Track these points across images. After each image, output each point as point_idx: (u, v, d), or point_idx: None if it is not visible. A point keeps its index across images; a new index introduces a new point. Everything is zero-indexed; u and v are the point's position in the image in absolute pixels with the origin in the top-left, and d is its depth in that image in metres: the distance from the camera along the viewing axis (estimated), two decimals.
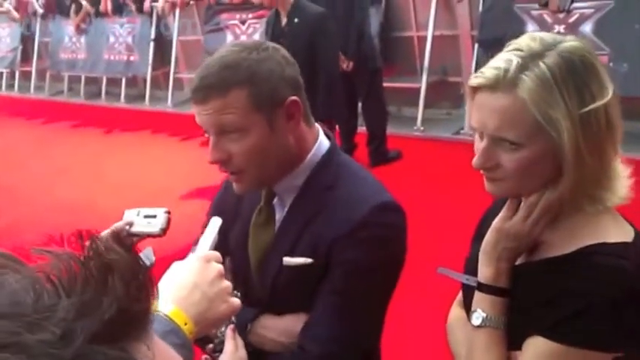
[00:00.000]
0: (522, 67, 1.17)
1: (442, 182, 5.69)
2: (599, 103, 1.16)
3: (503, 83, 1.18)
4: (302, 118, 1.49)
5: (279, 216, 1.59)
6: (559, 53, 1.17)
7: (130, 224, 1.65)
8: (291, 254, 1.51)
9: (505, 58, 1.19)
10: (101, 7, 10.74)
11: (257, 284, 1.60)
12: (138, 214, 1.67)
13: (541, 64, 1.16)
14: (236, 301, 1.22)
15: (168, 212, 1.67)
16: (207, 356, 1.51)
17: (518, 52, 1.19)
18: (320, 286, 1.49)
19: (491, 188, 1.30)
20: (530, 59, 1.17)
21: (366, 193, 1.52)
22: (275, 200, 1.59)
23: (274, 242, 1.57)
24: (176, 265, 1.23)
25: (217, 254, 1.28)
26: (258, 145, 1.43)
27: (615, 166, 1.24)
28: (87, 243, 0.55)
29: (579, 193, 1.22)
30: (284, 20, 4.97)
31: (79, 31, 11.23)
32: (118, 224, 1.65)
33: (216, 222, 1.42)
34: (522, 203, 1.29)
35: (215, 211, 1.64)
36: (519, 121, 1.18)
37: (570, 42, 1.21)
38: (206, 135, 1.46)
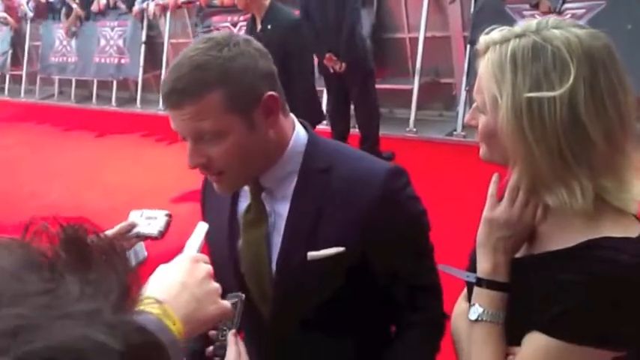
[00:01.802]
0: (502, 41, 1.20)
1: (436, 183, 5.67)
2: (554, 93, 1.13)
3: (485, 51, 1.24)
4: (280, 112, 1.44)
5: (270, 208, 1.53)
6: (535, 38, 1.17)
7: (133, 225, 1.62)
8: (312, 247, 1.46)
9: (502, 30, 1.23)
10: (93, 8, 10.70)
11: (256, 285, 1.55)
12: (141, 215, 1.64)
13: (512, 42, 1.18)
14: (225, 303, 1.20)
15: (169, 215, 1.63)
16: None
17: (512, 29, 1.22)
18: (374, 277, 1.51)
19: (482, 152, 1.33)
20: (511, 36, 1.19)
21: (370, 165, 1.51)
22: (263, 194, 1.53)
23: (285, 238, 1.50)
24: (163, 267, 1.20)
25: (205, 257, 1.26)
26: (238, 145, 1.38)
27: (618, 166, 1.20)
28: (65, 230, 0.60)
29: (545, 181, 1.19)
30: (259, 26, 4.92)
31: (70, 34, 11.19)
32: (122, 224, 1.61)
33: (203, 226, 1.40)
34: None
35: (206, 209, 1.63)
36: (482, 89, 1.24)
37: (561, 32, 1.17)
38: (182, 139, 1.41)
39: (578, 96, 1.13)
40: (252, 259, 1.56)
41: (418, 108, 7.27)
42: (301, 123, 1.55)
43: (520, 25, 1.22)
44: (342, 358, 1.57)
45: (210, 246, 1.62)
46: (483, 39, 1.24)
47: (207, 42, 1.38)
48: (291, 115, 1.53)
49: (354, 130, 6.53)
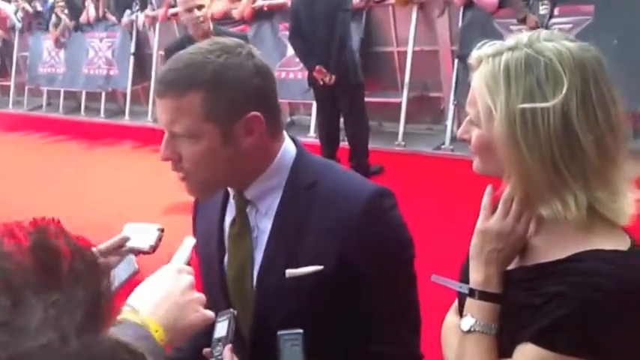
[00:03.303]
0: (494, 54, 1.22)
1: (424, 196, 5.69)
2: (547, 104, 1.15)
3: (477, 64, 1.25)
4: (265, 133, 1.40)
5: (253, 223, 1.50)
6: (527, 50, 1.19)
7: (126, 239, 1.62)
8: (293, 264, 1.43)
9: (495, 44, 1.25)
10: (82, 19, 10.68)
11: (239, 301, 1.52)
12: (135, 229, 1.64)
13: (504, 55, 1.20)
14: (208, 313, 1.22)
15: (161, 230, 1.63)
16: None
17: (504, 42, 1.23)
18: (355, 299, 1.44)
19: (475, 165, 1.34)
20: (504, 49, 1.21)
21: (356, 183, 1.49)
22: (248, 208, 1.51)
23: (265, 255, 1.47)
24: (149, 278, 1.24)
25: (189, 267, 1.28)
26: (207, 154, 1.36)
27: (610, 177, 1.21)
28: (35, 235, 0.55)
29: (539, 192, 1.21)
30: None
31: (58, 45, 11.16)
32: (115, 238, 1.61)
33: (189, 240, 1.41)
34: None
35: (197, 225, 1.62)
36: (475, 102, 1.25)
37: (553, 44, 1.19)
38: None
39: (570, 106, 1.15)
40: (236, 273, 1.54)
41: (407, 121, 7.30)
42: (291, 137, 1.53)
43: (512, 38, 1.24)
44: None
45: (200, 257, 1.64)
46: (476, 52, 1.26)
47: (212, 45, 1.38)
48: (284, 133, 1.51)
49: (344, 143, 6.54)
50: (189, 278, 1.23)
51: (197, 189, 1.47)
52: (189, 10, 4.68)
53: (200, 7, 4.66)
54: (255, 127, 1.38)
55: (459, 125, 6.26)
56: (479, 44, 1.27)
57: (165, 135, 1.38)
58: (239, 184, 1.48)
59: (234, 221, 1.53)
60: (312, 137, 7.43)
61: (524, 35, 1.23)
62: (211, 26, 4.82)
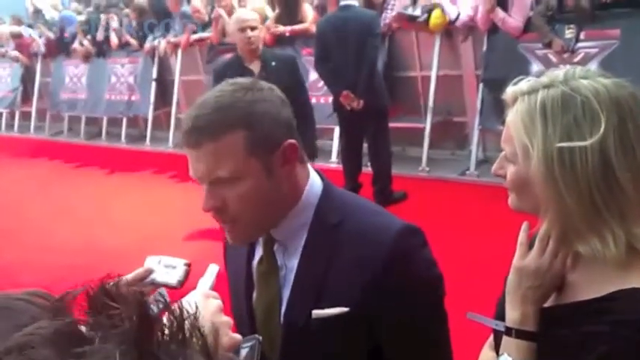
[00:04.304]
0: (530, 92, 1.23)
1: (449, 223, 5.62)
2: (585, 143, 1.15)
3: (513, 101, 1.27)
4: (298, 161, 1.43)
5: (281, 262, 1.50)
6: (563, 89, 1.19)
7: (150, 271, 1.63)
8: (318, 305, 1.41)
9: (529, 81, 1.26)
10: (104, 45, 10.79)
11: (267, 339, 1.49)
12: (159, 262, 1.65)
13: (540, 92, 1.21)
14: (236, 336, 1.22)
15: (189, 264, 1.64)
16: None
17: (539, 79, 1.25)
18: (383, 341, 1.43)
19: (511, 201, 1.34)
20: (540, 86, 1.22)
21: (382, 221, 1.46)
22: (275, 246, 1.50)
23: (292, 294, 1.47)
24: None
25: (216, 293, 1.29)
26: (254, 191, 1.36)
27: None
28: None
29: (577, 230, 1.20)
30: (255, 66, 4.85)
31: (85, 60, 11.18)
32: (139, 271, 1.61)
33: (213, 268, 1.44)
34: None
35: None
36: (511, 139, 1.26)
37: (589, 82, 1.19)
38: (199, 182, 1.39)
39: (608, 145, 1.16)
40: (264, 311, 1.53)
41: (430, 147, 7.25)
42: (317, 171, 1.53)
43: (547, 75, 1.24)
44: None
45: (230, 294, 1.66)
46: (511, 89, 1.27)
47: (232, 85, 1.40)
48: (307, 164, 1.51)
49: (366, 169, 6.49)
50: (217, 302, 1.25)
51: (245, 233, 1.46)
52: (242, 30, 4.74)
53: (253, 28, 4.73)
54: (291, 155, 1.40)
55: (484, 150, 6.23)
56: (514, 80, 1.28)
57: (205, 185, 1.37)
58: (274, 222, 1.46)
59: (261, 259, 1.54)
60: (334, 162, 7.39)
61: (559, 72, 1.24)
62: (261, 48, 4.89)
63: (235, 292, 1.63)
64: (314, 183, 1.48)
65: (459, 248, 5.05)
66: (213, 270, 1.43)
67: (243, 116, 1.33)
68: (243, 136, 1.33)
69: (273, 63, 4.83)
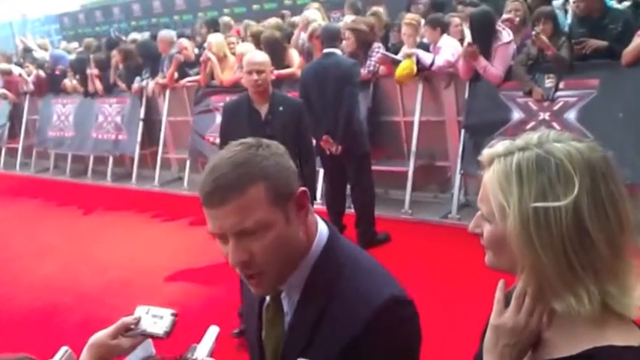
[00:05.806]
0: (506, 154, 1.26)
1: (430, 265, 5.68)
2: (559, 203, 1.18)
3: (489, 163, 1.29)
4: (308, 207, 1.52)
5: (287, 309, 1.57)
6: (538, 151, 1.23)
7: (138, 321, 1.66)
8: (305, 354, 1.46)
9: (505, 144, 1.29)
10: (89, 88, 10.85)
11: None
12: (147, 312, 1.69)
13: (516, 155, 1.24)
14: None
15: (175, 315, 1.67)
16: None
17: (514, 142, 1.28)
18: None
19: (488, 259, 1.35)
20: (515, 149, 1.26)
21: (372, 286, 1.50)
22: (282, 294, 1.57)
23: (287, 340, 1.56)
24: None
25: None
26: (278, 240, 1.43)
27: (620, 271, 1.23)
28: None
29: (553, 287, 1.22)
30: (262, 109, 4.95)
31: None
32: (127, 319, 1.66)
33: (213, 331, 1.46)
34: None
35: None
36: (487, 199, 1.28)
37: (562, 145, 1.23)
38: (216, 238, 1.45)
39: (582, 206, 1.18)
40: (272, 349, 1.61)
41: (413, 190, 7.33)
42: (322, 219, 1.60)
43: (522, 138, 1.28)
44: None
45: (245, 326, 1.73)
46: (487, 152, 1.30)
47: (240, 145, 1.48)
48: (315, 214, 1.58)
49: (350, 210, 6.56)
50: None
51: (270, 284, 1.52)
52: (249, 73, 4.86)
53: (260, 72, 4.83)
54: (304, 201, 1.50)
55: (466, 194, 6.25)
56: (490, 143, 1.32)
57: (232, 239, 1.42)
58: (292, 271, 1.52)
59: (268, 307, 1.62)
60: (318, 204, 7.45)
61: (533, 135, 1.28)
62: (270, 90, 4.98)
63: (249, 325, 1.73)
64: (322, 231, 1.57)
65: (439, 290, 5.10)
66: (212, 333, 1.45)
67: (261, 169, 1.42)
68: (264, 188, 1.41)
69: (281, 108, 4.92)
